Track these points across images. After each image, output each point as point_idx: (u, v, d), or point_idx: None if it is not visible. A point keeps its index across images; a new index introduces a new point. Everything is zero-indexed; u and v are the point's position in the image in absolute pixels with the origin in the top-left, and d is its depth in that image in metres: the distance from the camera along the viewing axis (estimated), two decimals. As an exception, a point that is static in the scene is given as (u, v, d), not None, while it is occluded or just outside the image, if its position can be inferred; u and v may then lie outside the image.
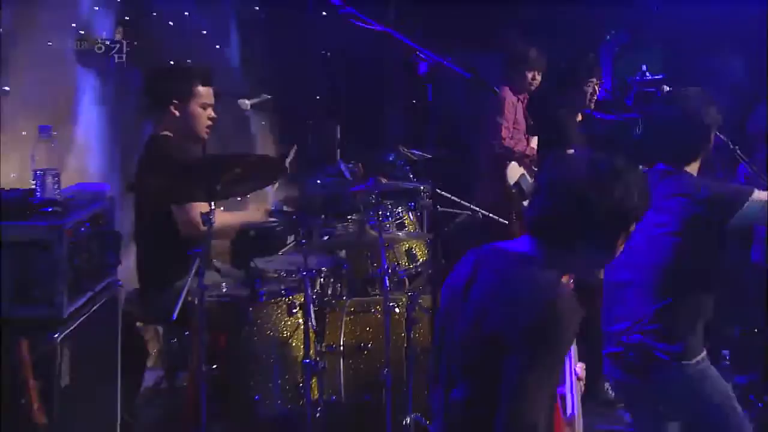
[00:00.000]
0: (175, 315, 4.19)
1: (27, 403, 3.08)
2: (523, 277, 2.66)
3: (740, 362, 5.97)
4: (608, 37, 7.25)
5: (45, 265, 3.17)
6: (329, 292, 5.04)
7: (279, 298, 4.67)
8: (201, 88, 4.91)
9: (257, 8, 7.05)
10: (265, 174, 4.71)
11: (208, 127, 4.96)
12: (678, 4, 7.31)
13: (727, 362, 5.90)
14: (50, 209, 3.29)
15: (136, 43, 6.00)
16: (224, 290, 4.75)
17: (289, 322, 4.67)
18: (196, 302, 4.31)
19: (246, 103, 5.14)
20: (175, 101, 4.88)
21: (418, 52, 4.34)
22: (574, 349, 3.11)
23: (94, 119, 5.66)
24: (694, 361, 3.72)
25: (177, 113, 4.89)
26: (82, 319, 3.35)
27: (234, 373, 4.63)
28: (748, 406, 5.66)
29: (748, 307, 6.22)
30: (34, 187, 3.39)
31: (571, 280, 3.05)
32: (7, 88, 4.76)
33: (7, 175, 4.67)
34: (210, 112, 4.94)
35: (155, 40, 6.12)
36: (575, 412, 3.05)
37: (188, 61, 5.71)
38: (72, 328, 3.25)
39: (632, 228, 2.74)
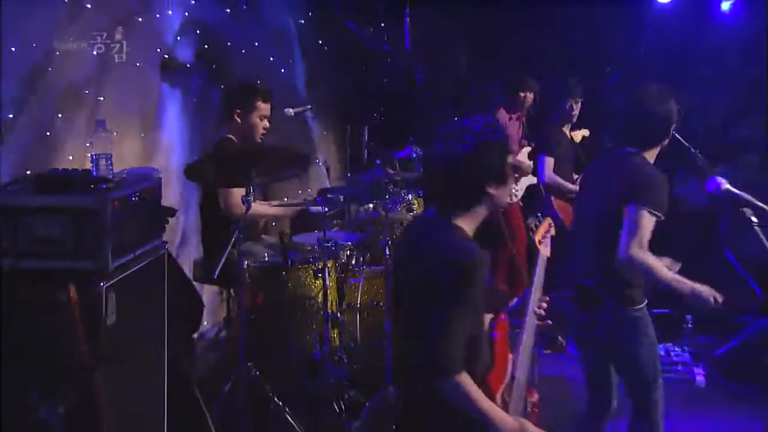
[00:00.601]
0: (216, 275, 4.22)
1: (75, 338, 3.14)
2: (439, 239, 2.69)
3: (703, 326, 5.81)
4: (608, 69, 7.14)
5: (95, 227, 3.22)
6: (353, 261, 5.04)
7: (307, 265, 4.70)
8: (261, 104, 4.96)
9: (320, 42, 7.05)
10: (292, 165, 4.71)
11: (262, 135, 5.00)
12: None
13: (690, 326, 5.74)
14: (103, 185, 3.34)
15: (213, 66, 6.09)
16: (265, 258, 4.80)
17: (315, 284, 4.69)
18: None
19: (290, 111, 5.15)
20: (239, 111, 4.94)
21: (416, 67, 4.32)
22: (536, 287, 3.05)
23: (177, 127, 5.75)
24: (634, 308, 3.61)
25: (239, 121, 4.95)
26: (127, 272, 3.37)
27: (271, 323, 4.67)
28: (705, 361, 5.52)
29: (711, 281, 6.05)
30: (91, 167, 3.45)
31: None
32: (101, 98, 4.86)
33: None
34: (266, 123, 4.99)
35: (229, 64, 6.19)
36: (523, 340, 2.98)
37: (257, 81, 5.75)
38: (117, 279, 3.27)
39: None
